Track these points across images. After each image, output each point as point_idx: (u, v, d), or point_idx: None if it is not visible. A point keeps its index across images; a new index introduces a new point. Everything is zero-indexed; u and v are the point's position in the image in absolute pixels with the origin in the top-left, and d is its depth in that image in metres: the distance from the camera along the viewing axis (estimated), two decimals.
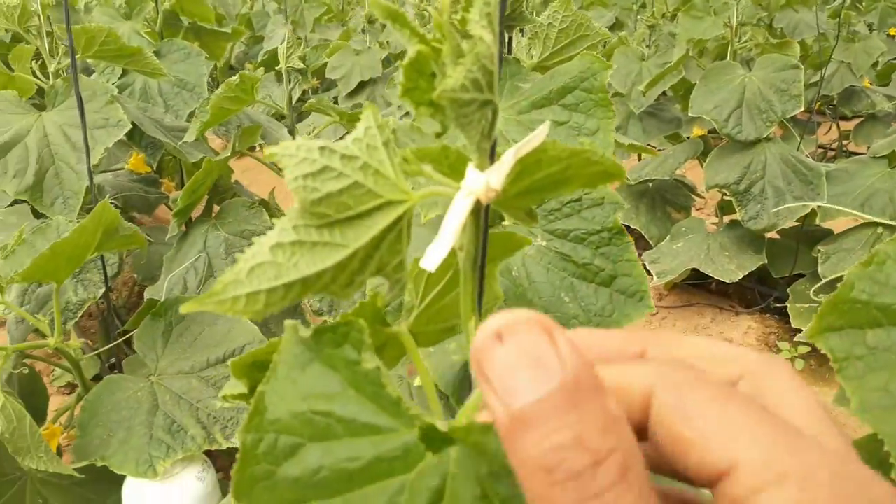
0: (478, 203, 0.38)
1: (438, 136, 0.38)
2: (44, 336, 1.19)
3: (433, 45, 0.35)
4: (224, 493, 1.04)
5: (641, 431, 0.25)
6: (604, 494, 0.21)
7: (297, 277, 0.33)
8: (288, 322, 0.36)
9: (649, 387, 0.24)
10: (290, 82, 1.28)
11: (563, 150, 0.39)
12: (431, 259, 0.37)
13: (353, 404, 0.33)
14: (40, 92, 1.48)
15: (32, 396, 1.06)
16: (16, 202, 1.57)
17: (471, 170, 0.37)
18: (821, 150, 2.70)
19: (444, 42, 0.35)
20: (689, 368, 0.25)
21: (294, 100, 1.31)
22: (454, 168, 0.39)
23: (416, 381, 0.93)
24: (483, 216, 0.40)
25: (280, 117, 2.67)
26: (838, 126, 2.60)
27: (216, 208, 1.38)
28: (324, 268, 0.34)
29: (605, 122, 0.72)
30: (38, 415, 1.08)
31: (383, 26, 3.09)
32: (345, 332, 0.34)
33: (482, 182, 0.36)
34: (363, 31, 2.99)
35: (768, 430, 0.22)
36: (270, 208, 1.38)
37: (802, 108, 1.59)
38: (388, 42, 2.85)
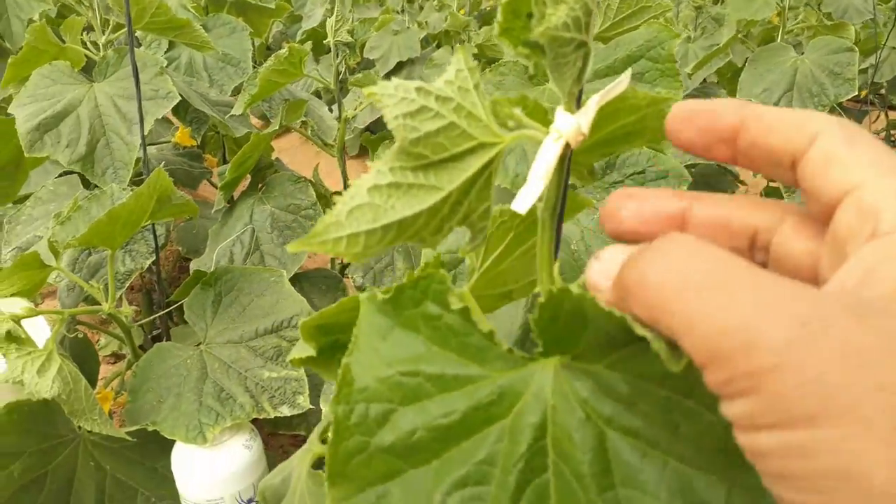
0: (565, 148, 0.38)
1: (531, 78, 0.38)
2: (95, 304, 1.21)
3: None
4: (271, 466, 1.05)
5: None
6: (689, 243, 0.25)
7: (394, 219, 0.33)
8: (362, 296, 0.35)
9: (825, 124, 0.28)
10: (336, 56, 1.28)
11: (643, 98, 0.38)
12: (523, 202, 0.37)
13: (440, 360, 0.33)
14: (89, 64, 1.50)
15: (84, 361, 1.08)
16: (65, 173, 1.59)
17: (561, 113, 0.36)
18: None
19: None
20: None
21: (340, 74, 1.30)
22: (531, 117, 0.39)
23: None
24: (567, 164, 0.40)
25: (318, 94, 2.68)
26: (886, 115, 2.54)
27: (262, 185, 1.38)
28: (420, 210, 0.34)
29: (672, 94, 0.71)
30: (90, 379, 1.09)
31: (421, 7, 3.08)
32: (425, 286, 0.34)
33: (573, 125, 0.36)
34: (402, 10, 2.98)
35: None
36: (315, 184, 1.38)
37: (856, 93, 1.56)
38: (426, 22, 2.84)
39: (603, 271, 0.29)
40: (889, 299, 0.22)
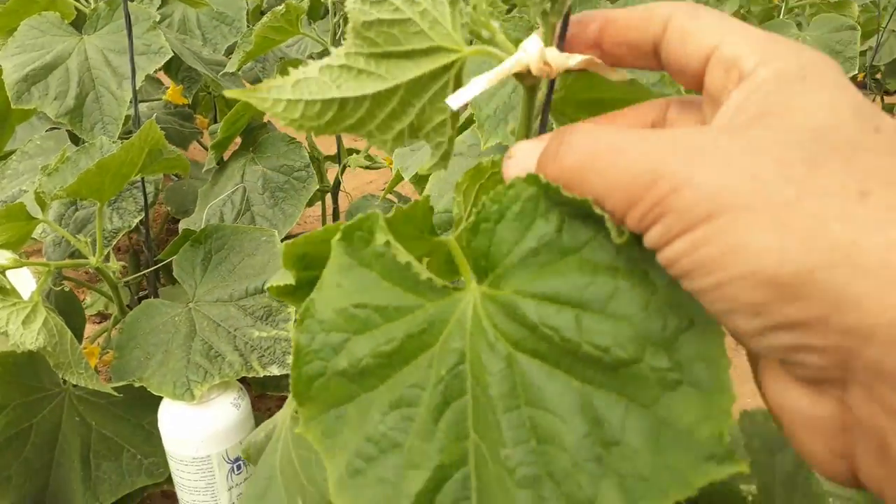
0: (531, 78, 0.37)
1: (509, 11, 0.36)
2: (81, 258, 1.19)
3: None
4: (259, 424, 1.04)
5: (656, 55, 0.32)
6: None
7: (335, 96, 0.34)
8: (333, 239, 0.36)
9: (672, 8, 0.31)
10: (335, 15, 1.26)
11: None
12: (455, 100, 0.36)
13: (387, 293, 0.34)
14: (79, 17, 1.46)
15: (70, 316, 1.06)
16: (52, 128, 1.56)
17: (532, 37, 0.35)
18: None
19: None
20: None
21: (338, 34, 1.28)
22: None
23: None
24: (540, 99, 0.39)
25: (311, 57, 2.64)
26: (882, 100, 2.54)
27: (254, 145, 1.36)
28: (363, 94, 0.34)
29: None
30: (76, 335, 1.08)
31: None
32: (369, 226, 0.35)
33: (537, 51, 0.34)
34: None
35: (750, 26, 0.30)
36: (309, 146, 1.36)
37: (856, 72, 1.55)
38: None
39: (519, 166, 0.33)
40: (753, 119, 0.26)
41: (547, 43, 0.35)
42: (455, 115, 0.37)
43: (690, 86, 0.32)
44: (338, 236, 0.34)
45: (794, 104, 0.26)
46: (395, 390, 0.32)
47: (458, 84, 0.36)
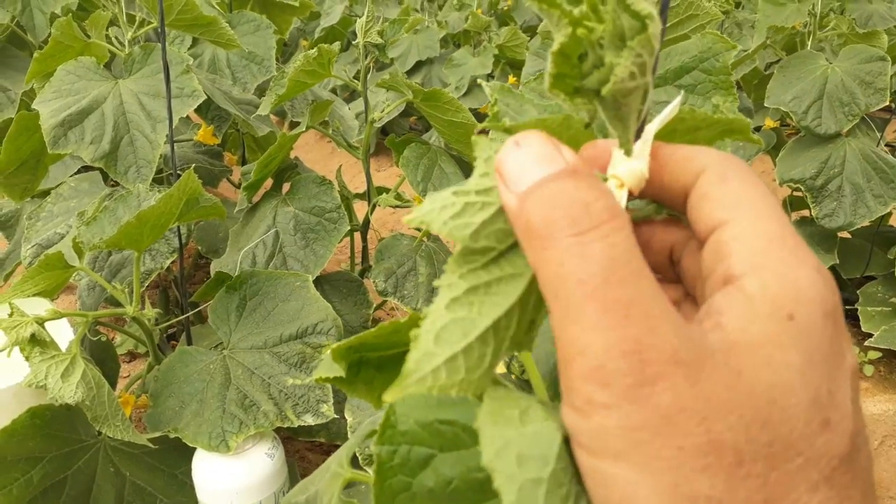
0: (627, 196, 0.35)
1: (587, 126, 0.35)
2: (115, 304, 1.19)
3: (587, 25, 0.32)
4: (291, 473, 1.03)
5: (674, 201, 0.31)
6: (598, 227, 0.25)
7: (486, 326, 0.31)
8: (412, 333, 0.33)
9: (709, 160, 0.29)
10: (365, 57, 1.26)
11: (703, 120, 0.36)
12: None
13: (474, 410, 0.32)
14: (112, 60, 1.48)
15: (105, 364, 1.06)
16: (84, 168, 1.58)
17: (620, 157, 0.33)
18: (888, 149, 2.60)
19: (598, 21, 0.31)
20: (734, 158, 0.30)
21: (368, 75, 1.28)
22: (574, 141, 0.36)
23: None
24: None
25: (335, 91, 2.66)
26: None
27: (285, 186, 1.36)
28: (509, 305, 0.32)
29: (725, 107, 0.69)
30: (110, 382, 1.08)
31: (441, 6, 3.05)
32: None
33: (635, 171, 0.33)
34: (421, 8, 2.96)
35: (769, 205, 0.28)
36: (339, 186, 1.37)
37: (886, 103, 1.53)
38: (445, 21, 2.81)
39: (514, 172, 0.29)
40: (727, 350, 0.24)
41: (628, 151, 0.33)
42: None
43: (700, 247, 0.30)
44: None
45: (759, 378, 0.24)
46: None
47: None
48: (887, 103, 1.56)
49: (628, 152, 0.33)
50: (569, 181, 0.27)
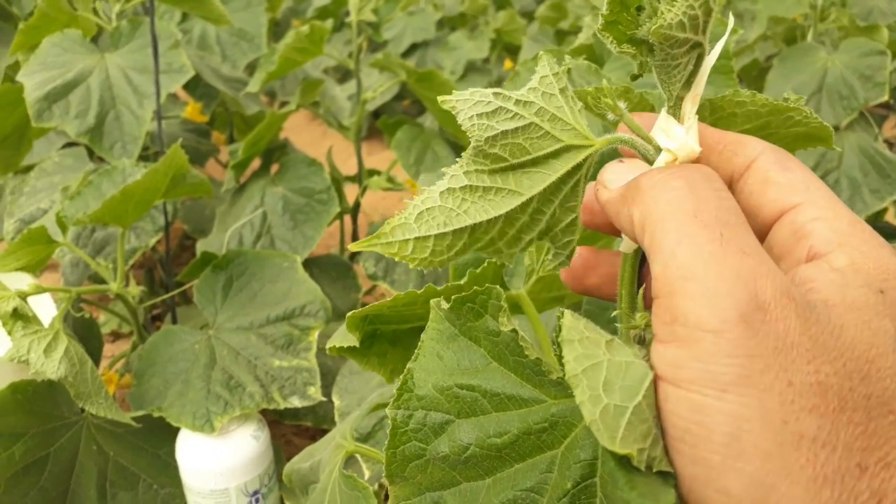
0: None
1: (634, 78, 0.35)
2: (99, 281, 1.17)
3: None
4: (276, 456, 1.02)
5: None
6: (702, 182, 0.28)
7: (466, 224, 0.32)
8: (432, 301, 0.34)
9: (762, 148, 0.31)
10: (358, 35, 1.24)
11: (764, 105, 0.35)
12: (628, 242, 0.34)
13: (498, 377, 0.32)
14: (99, 33, 1.45)
15: (88, 341, 1.04)
16: (70, 144, 1.55)
17: (672, 123, 0.33)
18: (885, 145, 2.59)
19: None
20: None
21: (361, 53, 1.26)
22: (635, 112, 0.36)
23: None
24: None
25: (326, 72, 2.62)
26: None
27: (274, 166, 1.34)
28: (496, 216, 0.32)
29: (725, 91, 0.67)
30: (94, 360, 1.06)
31: None
32: (483, 300, 0.33)
33: (685, 142, 0.33)
34: None
35: (833, 193, 0.30)
36: (329, 167, 1.35)
37: (886, 97, 1.52)
38: (442, 4, 2.78)
39: (614, 179, 0.31)
40: (827, 307, 0.25)
41: (677, 118, 0.33)
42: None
43: (754, 229, 0.31)
44: (443, 303, 0.33)
45: (861, 336, 0.25)
46: (506, 490, 0.30)
47: (588, 177, 0.34)
48: (886, 98, 1.55)
49: (673, 111, 0.33)
50: (680, 170, 0.30)
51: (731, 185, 0.32)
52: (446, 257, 0.32)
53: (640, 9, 0.32)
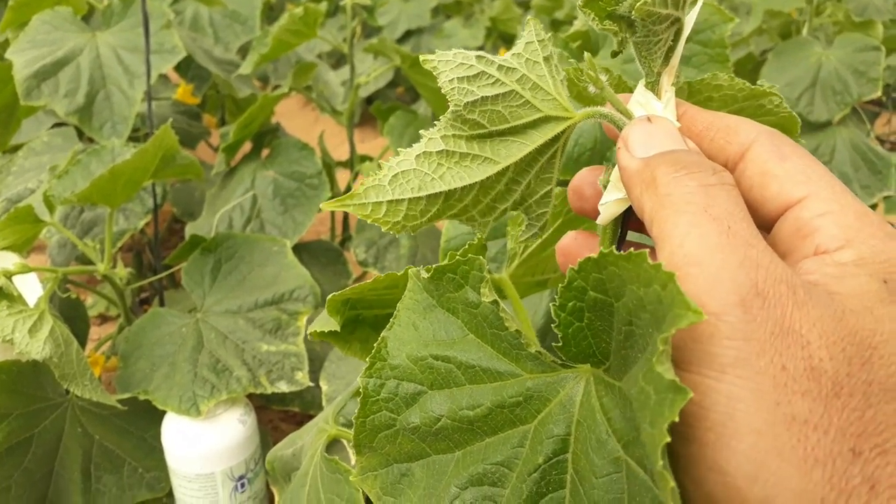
0: None
1: (615, 54, 0.34)
2: (86, 262, 1.16)
3: None
4: (263, 441, 1.01)
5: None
6: (722, 184, 0.28)
7: (440, 190, 0.32)
8: (410, 269, 0.34)
9: (756, 134, 0.30)
10: (353, 19, 1.23)
11: (741, 89, 0.35)
12: (606, 213, 0.34)
13: (474, 349, 0.31)
14: (91, 12, 1.43)
15: (74, 322, 1.03)
16: (59, 124, 1.53)
17: (650, 97, 0.33)
18: (877, 141, 2.60)
19: None
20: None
21: (355, 38, 1.25)
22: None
23: None
24: None
25: (320, 56, 2.61)
26: None
27: (265, 150, 1.33)
28: (470, 183, 0.32)
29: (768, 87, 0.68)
30: (80, 341, 1.05)
31: None
32: (465, 271, 0.32)
33: (663, 115, 0.33)
34: None
35: (836, 180, 0.29)
36: (322, 152, 1.34)
37: (879, 93, 1.52)
38: None
39: (642, 142, 0.31)
40: (830, 293, 0.26)
41: (656, 93, 0.33)
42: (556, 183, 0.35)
43: (757, 221, 0.31)
44: (423, 273, 0.32)
45: (863, 322, 0.25)
46: (475, 463, 0.29)
47: (565, 150, 0.33)
48: (879, 94, 1.56)
49: (651, 87, 0.33)
50: (695, 154, 0.30)
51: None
52: (419, 222, 0.32)
53: None
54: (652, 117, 0.31)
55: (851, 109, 1.59)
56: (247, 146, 1.39)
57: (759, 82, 0.36)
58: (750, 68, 1.74)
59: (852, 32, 1.58)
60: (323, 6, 1.19)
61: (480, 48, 2.65)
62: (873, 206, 1.64)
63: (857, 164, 1.52)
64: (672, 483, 0.22)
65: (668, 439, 0.23)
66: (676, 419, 0.23)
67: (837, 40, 1.57)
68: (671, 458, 0.24)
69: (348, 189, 1.54)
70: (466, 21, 2.46)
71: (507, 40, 2.44)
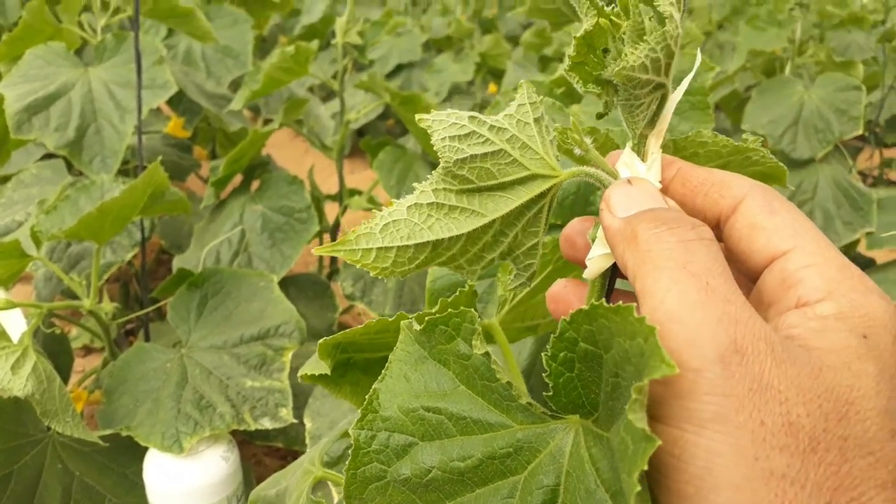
0: None
1: (600, 116, 0.35)
2: (71, 296, 1.16)
3: (611, 18, 0.32)
4: (246, 477, 1.01)
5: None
6: (701, 239, 0.29)
7: (428, 240, 0.33)
8: (403, 321, 0.35)
9: (748, 189, 0.31)
10: (343, 57, 1.25)
11: (725, 146, 0.36)
12: (593, 268, 0.35)
13: (465, 401, 0.32)
14: (84, 47, 1.45)
15: (57, 357, 1.03)
16: (48, 156, 1.53)
17: (635, 159, 0.34)
18: (859, 177, 2.63)
19: (625, 17, 0.32)
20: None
21: (346, 75, 1.27)
22: (600, 151, 0.37)
23: None
24: None
25: (311, 90, 2.63)
26: (881, 153, 2.55)
27: (255, 183, 1.34)
28: (457, 234, 0.33)
29: (701, 127, 0.68)
30: (63, 376, 1.04)
31: (425, 9, 3.05)
32: (457, 323, 0.33)
33: (646, 178, 0.34)
34: (405, 11, 2.95)
35: (821, 235, 0.30)
36: (310, 186, 1.35)
37: (860, 131, 1.55)
38: (429, 26, 2.80)
39: (623, 203, 0.32)
40: (807, 350, 0.26)
41: (640, 155, 0.34)
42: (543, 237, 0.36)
43: (740, 270, 0.31)
44: (415, 324, 0.33)
45: (840, 378, 0.25)
46: None
47: (552, 206, 0.34)
48: (860, 132, 1.58)
49: (637, 148, 0.34)
50: (675, 212, 0.31)
51: (718, 226, 0.32)
52: (407, 268, 0.33)
53: (606, 51, 0.32)
54: (633, 179, 0.32)
55: (834, 147, 1.61)
56: (236, 178, 1.40)
57: (743, 131, 0.37)
58: (734, 105, 1.77)
59: (834, 72, 1.61)
60: (315, 44, 1.20)
61: (470, 83, 2.69)
62: (855, 242, 1.66)
63: (839, 200, 1.54)
64: None
65: (639, 488, 0.23)
66: (646, 468, 0.23)
67: (819, 79, 1.60)
68: None
69: (336, 223, 1.55)
70: (457, 56, 2.49)
71: (497, 75, 2.47)
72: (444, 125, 0.32)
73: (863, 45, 2.44)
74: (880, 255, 1.67)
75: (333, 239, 1.55)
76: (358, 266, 0.32)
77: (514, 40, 2.84)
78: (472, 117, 0.32)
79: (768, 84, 1.63)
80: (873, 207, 1.53)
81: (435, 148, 0.32)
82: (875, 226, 1.51)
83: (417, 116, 0.32)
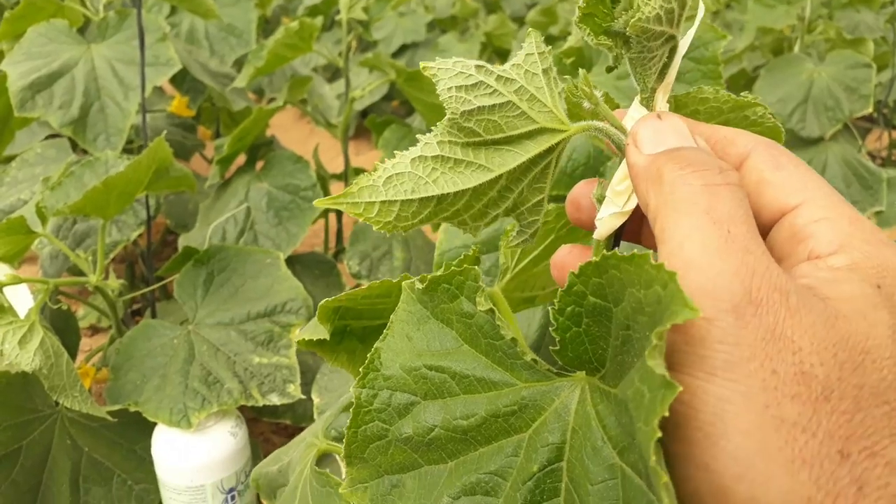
0: None
1: (610, 70, 0.35)
2: (78, 274, 1.16)
3: None
4: (254, 454, 1.01)
5: None
6: (727, 183, 0.28)
7: (433, 194, 0.32)
8: (405, 281, 0.34)
9: (753, 144, 0.31)
10: (348, 33, 1.23)
11: (726, 101, 0.36)
12: (603, 228, 0.34)
13: (468, 359, 0.31)
14: (86, 24, 1.44)
15: (65, 334, 1.03)
16: (53, 135, 1.53)
17: (644, 113, 0.33)
18: (868, 157, 2.61)
19: None
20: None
21: (350, 52, 1.26)
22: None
23: None
24: None
25: (315, 70, 2.62)
26: (890, 134, 2.53)
27: (260, 163, 1.33)
28: (463, 188, 0.32)
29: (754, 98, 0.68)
30: (70, 353, 1.04)
31: None
32: (460, 281, 0.32)
33: None
34: None
35: (831, 188, 0.30)
36: (316, 165, 1.34)
37: (870, 109, 1.54)
38: (433, 6, 2.78)
39: (651, 139, 0.31)
40: (823, 298, 0.26)
41: (649, 108, 0.33)
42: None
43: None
44: (418, 283, 0.32)
45: (856, 326, 0.25)
46: (468, 473, 0.29)
47: (558, 162, 0.34)
48: (870, 111, 1.57)
49: (646, 102, 0.33)
50: (702, 152, 0.30)
51: None
52: (410, 223, 0.32)
53: (615, 1, 0.32)
54: (662, 114, 0.32)
55: (843, 125, 1.60)
56: (241, 158, 1.39)
57: (742, 94, 0.36)
58: (743, 84, 1.76)
59: (844, 49, 1.59)
60: (318, 20, 1.19)
61: None
62: None
63: (848, 179, 1.53)
64: (665, 478, 0.22)
65: (660, 434, 0.23)
66: (667, 414, 0.23)
67: (829, 57, 1.58)
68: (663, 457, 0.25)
69: None
70: (462, 36, 2.47)
71: (502, 55, 2.46)
72: (450, 74, 0.31)
73: (872, 25, 2.42)
74: (890, 235, 1.66)
75: (339, 218, 1.55)
76: (361, 219, 0.32)
77: (519, 20, 2.82)
78: (479, 66, 0.32)
79: (777, 62, 1.61)
80: (883, 186, 1.52)
81: (441, 98, 0.31)
82: (885, 205, 1.50)
83: (422, 64, 0.31)
